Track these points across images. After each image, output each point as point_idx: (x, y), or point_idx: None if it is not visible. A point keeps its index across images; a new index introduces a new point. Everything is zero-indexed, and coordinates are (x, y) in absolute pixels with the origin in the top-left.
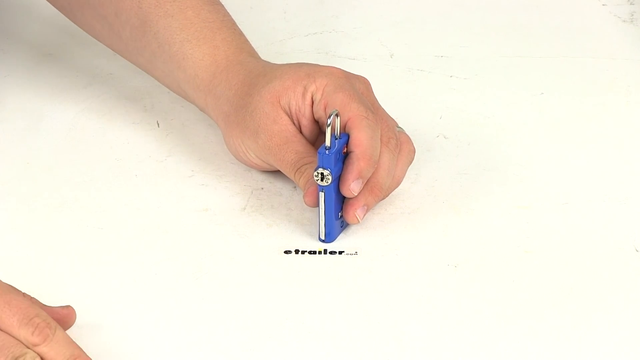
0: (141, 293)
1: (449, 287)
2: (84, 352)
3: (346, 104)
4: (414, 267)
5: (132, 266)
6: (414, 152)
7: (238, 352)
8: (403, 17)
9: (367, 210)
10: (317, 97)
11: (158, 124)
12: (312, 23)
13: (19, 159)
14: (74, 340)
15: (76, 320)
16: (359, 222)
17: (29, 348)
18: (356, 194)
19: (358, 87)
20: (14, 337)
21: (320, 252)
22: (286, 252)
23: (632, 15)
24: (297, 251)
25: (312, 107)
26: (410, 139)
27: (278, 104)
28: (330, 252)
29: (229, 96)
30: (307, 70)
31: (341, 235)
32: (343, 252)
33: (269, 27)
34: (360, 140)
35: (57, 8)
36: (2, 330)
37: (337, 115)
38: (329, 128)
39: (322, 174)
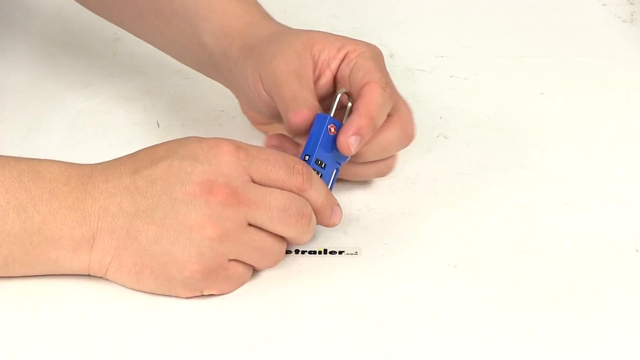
0: (141, 293)
1: (449, 287)
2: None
3: (372, 71)
4: (414, 267)
5: None
6: (411, 133)
7: (238, 352)
8: (403, 17)
9: (361, 142)
10: (352, 56)
11: (158, 124)
12: (312, 23)
13: None
14: (68, 344)
15: (76, 320)
16: (351, 152)
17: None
18: (352, 152)
19: (387, 73)
20: (285, 188)
21: (320, 252)
22: (286, 252)
23: (632, 15)
24: (297, 251)
25: (341, 64)
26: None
27: (310, 48)
28: (330, 252)
29: (261, 35)
30: (352, 38)
31: (341, 235)
32: (343, 252)
33: None
34: (369, 101)
35: None
36: (274, 187)
37: (345, 93)
38: (335, 101)
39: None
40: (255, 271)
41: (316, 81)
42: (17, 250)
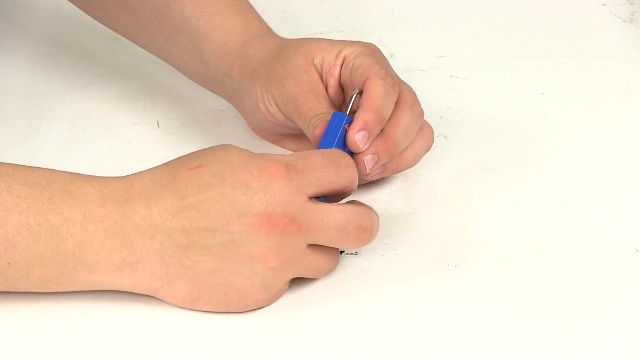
0: (140, 294)
1: (449, 287)
2: None
3: (370, 66)
4: (414, 267)
5: None
6: (433, 138)
7: (238, 352)
8: (403, 17)
9: (377, 163)
10: (348, 59)
11: (158, 124)
12: (312, 23)
13: (19, 159)
14: (68, 343)
15: (75, 320)
16: (367, 171)
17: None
18: (362, 147)
19: (387, 64)
20: (338, 188)
21: None
22: None
23: (632, 15)
24: None
25: (342, 68)
26: (431, 127)
27: (312, 61)
28: None
29: (260, 55)
30: (345, 40)
31: None
32: (343, 252)
33: None
34: (371, 95)
35: None
36: (328, 192)
37: (359, 94)
38: (351, 102)
39: None
40: None
41: (326, 89)
42: (51, 272)
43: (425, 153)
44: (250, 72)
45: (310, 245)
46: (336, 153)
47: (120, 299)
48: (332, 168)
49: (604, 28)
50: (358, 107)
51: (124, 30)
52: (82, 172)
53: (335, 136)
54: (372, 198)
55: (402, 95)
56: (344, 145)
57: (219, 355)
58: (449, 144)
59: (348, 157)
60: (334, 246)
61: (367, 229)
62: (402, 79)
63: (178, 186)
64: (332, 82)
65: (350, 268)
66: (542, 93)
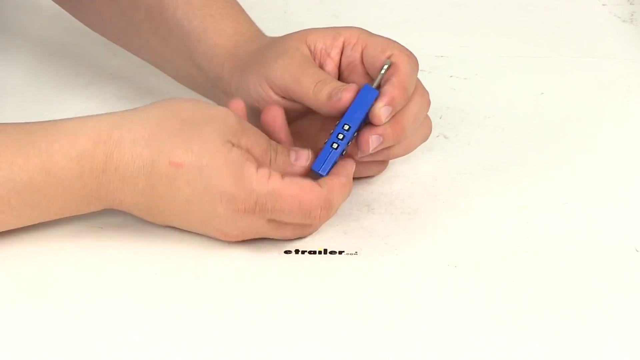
0: (141, 293)
1: (449, 287)
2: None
3: (388, 42)
4: (414, 267)
5: (132, 266)
6: (431, 130)
7: (238, 352)
8: (403, 17)
9: (381, 145)
10: (352, 40)
11: None
12: (312, 23)
13: None
14: (68, 344)
15: (75, 321)
16: (369, 149)
17: None
18: (383, 121)
19: None
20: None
21: (320, 252)
22: (286, 252)
23: (632, 15)
24: (297, 251)
25: (343, 51)
26: (430, 119)
27: (304, 41)
28: (330, 252)
29: (251, 49)
30: (339, 26)
31: (341, 235)
32: (343, 252)
33: (269, 27)
34: (400, 71)
35: (58, 2)
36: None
37: (389, 66)
38: (381, 74)
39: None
40: (254, 271)
41: None
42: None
43: (420, 144)
44: (241, 67)
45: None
46: (315, 203)
47: (120, 298)
48: (299, 218)
49: (604, 28)
50: (385, 81)
51: (116, 37)
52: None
53: (364, 111)
54: (372, 198)
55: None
56: (364, 115)
57: (218, 355)
58: (449, 144)
59: (326, 208)
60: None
61: (326, 207)
62: None
63: (153, 175)
64: (330, 63)
65: (350, 268)
66: (542, 93)
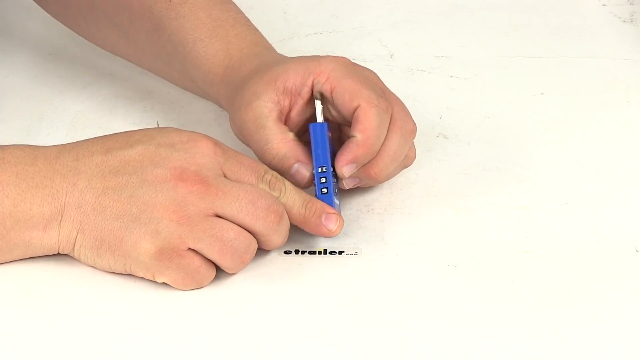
0: (141, 293)
1: (449, 287)
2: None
3: (356, 90)
4: (414, 267)
5: None
6: (413, 160)
7: (238, 352)
8: (403, 17)
9: (358, 167)
10: (321, 79)
11: (158, 124)
12: (312, 23)
13: None
14: (69, 343)
15: (74, 321)
16: (346, 177)
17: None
18: (347, 176)
19: (367, 75)
20: None
21: (320, 252)
22: (286, 252)
23: (632, 15)
24: (297, 251)
25: (313, 87)
26: (415, 148)
27: (273, 83)
28: (330, 252)
29: (235, 84)
30: (314, 56)
31: (341, 235)
32: (343, 252)
33: (269, 27)
34: (365, 128)
35: (69, 27)
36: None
37: (319, 98)
38: (319, 109)
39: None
40: (254, 271)
41: (290, 111)
42: None
43: (399, 172)
44: (230, 101)
45: (219, 217)
46: (266, 168)
47: (118, 299)
48: (254, 173)
49: (604, 28)
50: (350, 135)
51: (128, 58)
52: None
53: (326, 145)
54: (372, 198)
55: (393, 114)
56: (330, 151)
57: (219, 355)
58: (449, 144)
59: (273, 176)
60: (241, 221)
61: (277, 212)
62: (402, 79)
63: (108, 142)
64: (300, 103)
65: (350, 268)
66: (542, 93)
